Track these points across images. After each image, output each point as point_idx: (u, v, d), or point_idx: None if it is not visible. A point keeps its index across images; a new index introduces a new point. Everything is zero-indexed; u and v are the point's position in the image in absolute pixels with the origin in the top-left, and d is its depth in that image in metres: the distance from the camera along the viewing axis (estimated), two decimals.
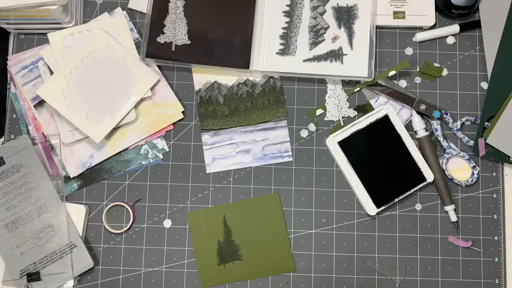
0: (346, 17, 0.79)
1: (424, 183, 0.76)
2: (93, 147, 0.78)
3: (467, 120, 0.79)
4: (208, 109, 0.80)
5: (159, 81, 0.79)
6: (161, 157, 0.79)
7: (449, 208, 0.76)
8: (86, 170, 0.79)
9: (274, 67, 0.78)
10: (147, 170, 0.79)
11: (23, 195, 0.76)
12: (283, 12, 0.79)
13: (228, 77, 0.81)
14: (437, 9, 0.82)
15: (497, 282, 0.76)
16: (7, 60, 0.81)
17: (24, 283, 0.74)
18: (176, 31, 0.78)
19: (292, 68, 0.78)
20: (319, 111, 0.80)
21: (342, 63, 0.78)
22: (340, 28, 0.79)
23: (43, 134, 0.79)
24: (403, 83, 0.81)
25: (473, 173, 0.78)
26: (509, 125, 0.77)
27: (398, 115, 0.80)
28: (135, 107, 0.78)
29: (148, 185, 0.79)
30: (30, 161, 0.77)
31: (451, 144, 0.79)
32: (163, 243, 0.78)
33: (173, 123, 0.80)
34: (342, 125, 0.80)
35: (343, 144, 0.77)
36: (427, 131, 0.78)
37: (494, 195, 0.78)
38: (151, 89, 0.79)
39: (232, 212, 0.78)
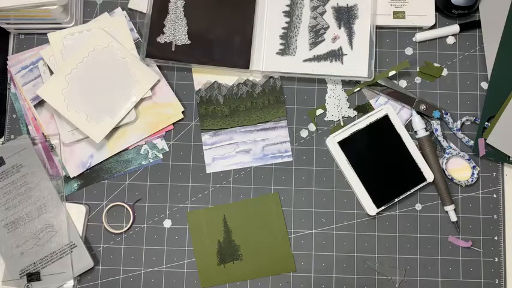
0: (346, 17, 0.79)
1: (424, 183, 0.76)
2: (93, 147, 0.78)
3: (467, 120, 0.80)
4: (208, 109, 0.80)
5: (159, 81, 0.79)
6: (161, 157, 0.79)
7: (449, 208, 0.76)
8: (86, 170, 0.79)
9: (274, 67, 0.78)
10: (147, 170, 0.79)
11: (23, 195, 0.76)
12: (283, 12, 0.79)
13: (228, 77, 0.81)
14: (437, 9, 0.82)
15: (497, 282, 0.76)
16: (7, 60, 0.81)
17: (24, 283, 0.74)
18: (176, 31, 0.78)
19: (292, 68, 0.78)
20: (319, 111, 0.80)
21: (342, 63, 0.78)
22: (340, 28, 0.79)
23: (43, 134, 0.79)
24: (403, 83, 0.81)
25: (473, 173, 0.78)
26: (509, 125, 0.77)
27: (398, 115, 0.80)
28: (135, 107, 0.78)
29: (148, 185, 0.79)
30: (30, 161, 0.77)
31: (451, 144, 0.79)
32: (163, 243, 0.78)
33: (173, 123, 0.80)
34: (342, 125, 0.80)
35: (343, 144, 0.77)
36: (427, 131, 0.78)
37: (494, 195, 0.78)
38: (151, 89, 0.79)
39: (232, 212, 0.78)
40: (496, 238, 0.77)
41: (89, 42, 0.78)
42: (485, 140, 0.77)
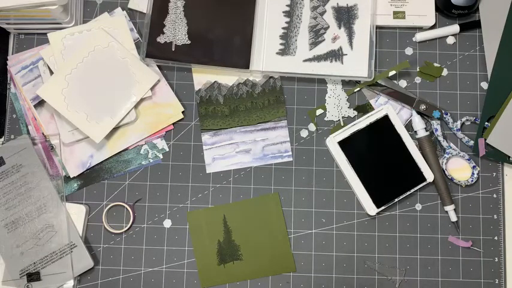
0: (346, 17, 0.79)
1: (424, 183, 0.76)
2: (93, 147, 0.78)
3: (467, 120, 0.80)
4: (208, 109, 0.80)
5: (159, 81, 0.79)
6: (161, 157, 0.79)
7: (449, 208, 0.76)
8: (86, 170, 0.79)
9: (274, 67, 0.78)
10: (147, 170, 0.79)
11: (23, 195, 0.76)
12: (283, 12, 0.79)
13: (228, 77, 0.81)
14: (437, 9, 0.82)
15: (497, 282, 0.76)
16: (7, 60, 0.81)
17: (24, 283, 0.74)
18: (176, 31, 0.78)
19: (292, 68, 0.78)
20: (319, 111, 0.80)
21: (342, 63, 0.78)
22: (340, 28, 0.79)
23: (43, 134, 0.79)
24: (403, 83, 0.81)
25: (473, 173, 0.78)
26: (509, 125, 0.77)
27: (398, 115, 0.80)
28: (135, 107, 0.78)
29: (148, 185, 0.79)
30: (30, 161, 0.77)
31: (451, 144, 0.79)
32: (163, 243, 0.78)
33: (173, 123, 0.80)
34: (342, 125, 0.80)
35: (343, 144, 0.77)
36: (427, 131, 0.78)
37: (494, 195, 0.78)
38: (151, 89, 0.79)
39: (232, 212, 0.78)
40: (496, 238, 0.77)
41: (89, 42, 0.78)
42: (485, 140, 0.77)
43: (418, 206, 0.78)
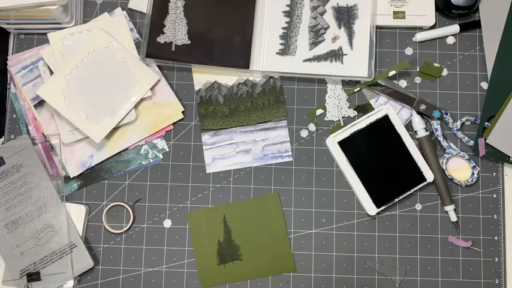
0: (346, 17, 0.79)
1: (424, 183, 0.76)
2: (93, 147, 0.78)
3: (467, 120, 0.80)
4: (208, 109, 0.80)
5: (159, 81, 0.79)
6: (161, 157, 0.79)
7: (449, 208, 0.76)
8: (86, 170, 0.79)
9: (274, 67, 0.78)
10: (147, 170, 0.79)
11: (23, 195, 0.76)
12: (283, 12, 0.79)
13: (228, 77, 0.81)
14: (437, 9, 0.82)
15: (497, 282, 0.76)
16: (7, 60, 0.81)
17: (24, 283, 0.74)
18: (176, 31, 0.78)
19: (292, 68, 0.78)
20: (319, 111, 0.80)
21: (342, 63, 0.78)
22: (340, 28, 0.79)
23: (43, 134, 0.79)
24: (403, 83, 0.81)
25: (473, 173, 0.78)
26: (509, 125, 0.77)
27: (398, 115, 0.80)
28: (135, 107, 0.78)
29: (148, 185, 0.79)
30: (30, 161, 0.77)
31: (451, 144, 0.79)
32: (163, 243, 0.78)
33: (173, 123, 0.80)
34: (342, 125, 0.80)
35: (343, 144, 0.77)
36: (427, 131, 0.78)
37: (494, 195, 0.78)
38: (151, 89, 0.79)
39: (232, 212, 0.78)
40: (496, 238, 0.77)
41: (89, 42, 0.78)
42: (485, 140, 0.77)
43: (418, 206, 0.78)
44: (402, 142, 0.77)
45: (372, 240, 0.77)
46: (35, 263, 0.74)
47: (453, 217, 0.77)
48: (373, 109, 0.80)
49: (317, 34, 0.79)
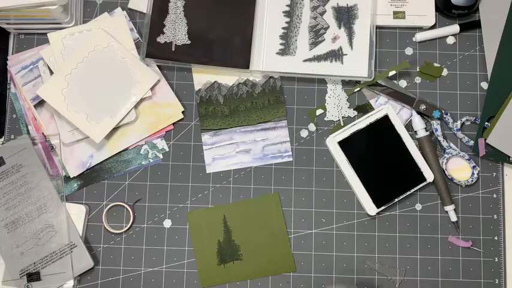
0: (346, 17, 0.79)
1: (424, 183, 0.76)
2: (93, 147, 0.78)
3: (467, 120, 0.80)
4: (208, 109, 0.80)
5: (159, 81, 0.79)
6: (161, 157, 0.79)
7: (449, 208, 0.76)
8: (86, 170, 0.79)
9: (274, 67, 0.78)
10: (147, 170, 0.79)
11: (23, 195, 0.76)
12: (283, 12, 0.79)
13: (228, 77, 0.81)
14: (437, 9, 0.82)
15: (497, 282, 0.76)
16: (7, 60, 0.81)
17: (24, 283, 0.74)
18: (176, 31, 0.78)
19: (292, 68, 0.78)
20: (319, 111, 0.80)
21: (342, 63, 0.78)
22: (340, 28, 0.79)
23: (43, 134, 0.79)
24: (403, 83, 0.81)
25: (473, 173, 0.78)
26: (509, 125, 0.77)
27: (398, 115, 0.80)
28: (135, 107, 0.78)
29: (148, 185, 0.79)
30: (30, 161, 0.77)
31: (451, 144, 0.79)
32: (163, 243, 0.78)
33: (173, 123, 0.80)
34: (342, 125, 0.80)
35: (343, 144, 0.77)
36: (427, 131, 0.78)
37: (494, 195, 0.78)
38: (151, 89, 0.79)
39: (232, 212, 0.78)
40: (496, 238, 0.77)
41: (89, 42, 0.78)
42: (485, 140, 0.77)
43: (418, 206, 0.78)
44: (402, 142, 0.77)
45: (372, 240, 0.77)
46: (35, 263, 0.74)
47: (453, 217, 0.77)
48: (373, 109, 0.80)
49: (317, 34, 0.79)
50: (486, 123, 0.78)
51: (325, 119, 0.80)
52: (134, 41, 0.81)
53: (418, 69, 0.81)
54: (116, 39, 0.78)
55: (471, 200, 0.78)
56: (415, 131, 0.78)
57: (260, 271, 0.77)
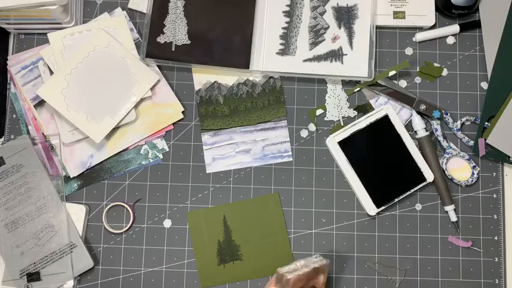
0: (346, 17, 0.79)
1: (424, 183, 0.76)
2: (93, 147, 0.78)
3: (467, 120, 0.80)
4: (208, 109, 0.80)
5: (159, 81, 0.79)
6: (161, 157, 0.79)
7: (449, 208, 0.76)
8: (86, 170, 0.79)
9: (274, 67, 0.78)
10: (147, 170, 0.79)
11: (23, 195, 0.76)
12: (283, 12, 0.79)
13: (228, 77, 0.81)
14: (437, 9, 0.82)
15: (497, 282, 0.76)
16: (7, 60, 0.81)
17: (24, 283, 0.74)
18: (176, 31, 0.78)
19: (292, 68, 0.78)
20: (319, 111, 0.80)
21: (342, 63, 0.78)
22: (340, 28, 0.79)
23: (43, 134, 0.79)
24: (403, 83, 0.81)
25: (473, 173, 0.78)
26: (509, 125, 0.77)
27: (398, 115, 0.80)
28: (135, 107, 0.78)
29: (148, 185, 0.79)
30: (30, 161, 0.77)
31: (451, 144, 0.79)
32: (163, 243, 0.78)
33: (173, 123, 0.80)
34: (342, 125, 0.80)
35: (343, 144, 0.77)
36: (427, 131, 0.78)
37: (494, 195, 0.78)
38: (151, 89, 0.79)
39: (232, 212, 0.78)
40: (496, 238, 0.77)
41: (89, 42, 0.78)
42: (485, 140, 0.77)
43: (418, 206, 0.78)
44: (402, 142, 0.77)
45: (372, 240, 0.77)
46: (35, 263, 0.74)
47: (453, 217, 0.77)
48: (373, 109, 0.80)
49: (317, 34, 0.79)
50: (486, 123, 0.78)
51: (325, 119, 0.80)
52: (134, 41, 0.81)
53: (418, 69, 0.81)
54: (116, 39, 0.78)
55: (471, 200, 0.78)
56: (415, 131, 0.78)
57: (260, 271, 0.77)
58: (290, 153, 0.79)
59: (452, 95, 0.81)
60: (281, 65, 0.78)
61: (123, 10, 0.82)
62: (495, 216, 0.78)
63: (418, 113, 0.79)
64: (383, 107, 0.78)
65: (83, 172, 0.78)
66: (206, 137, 0.80)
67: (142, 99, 0.79)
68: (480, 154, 0.78)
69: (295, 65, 0.78)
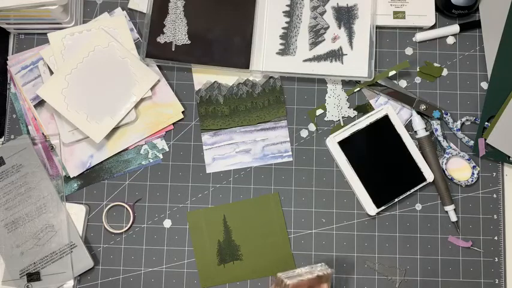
0: (346, 17, 0.79)
1: (424, 183, 0.76)
2: (93, 147, 0.78)
3: (467, 120, 0.80)
4: (208, 109, 0.80)
5: (159, 81, 0.79)
6: (161, 157, 0.79)
7: (449, 208, 0.76)
8: (86, 170, 0.79)
9: (274, 67, 0.78)
10: (147, 170, 0.79)
11: (23, 195, 0.76)
12: (283, 12, 0.79)
13: (228, 77, 0.81)
14: (437, 9, 0.82)
15: (497, 282, 0.76)
16: (7, 60, 0.81)
17: (24, 283, 0.74)
18: (176, 31, 0.78)
19: (292, 68, 0.78)
20: (319, 111, 0.80)
21: (342, 63, 0.78)
22: (340, 28, 0.79)
23: (43, 134, 0.79)
24: (403, 83, 0.81)
25: (473, 173, 0.78)
26: (509, 125, 0.77)
27: (398, 115, 0.80)
28: (135, 107, 0.78)
29: (148, 185, 0.79)
30: (30, 161, 0.77)
31: (451, 144, 0.79)
32: (163, 243, 0.78)
33: (173, 123, 0.80)
34: (342, 125, 0.80)
35: (343, 144, 0.77)
36: (427, 131, 0.78)
37: (494, 195, 0.78)
38: (151, 89, 0.79)
39: (232, 212, 0.78)
40: (496, 238, 0.77)
41: (89, 42, 0.78)
42: (485, 140, 0.77)
43: (418, 206, 0.78)
44: (402, 142, 0.77)
45: (372, 240, 0.77)
46: (35, 263, 0.74)
47: (453, 217, 0.77)
48: (373, 109, 0.80)
49: (317, 34, 0.79)
50: (486, 123, 0.78)
51: (325, 119, 0.80)
52: (134, 41, 0.81)
53: (418, 69, 0.81)
54: (116, 39, 0.78)
55: (471, 200, 0.78)
56: (415, 131, 0.78)
57: (260, 271, 0.77)
58: (290, 153, 0.79)
59: (452, 95, 0.81)
60: (281, 65, 0.78)
61: (123, 10, 0.82)
62: (495, 216, 0.78)
63: (418, 113, 0.79)
64: (383, 107, 0.78)
65: (83, 172, 0.78)
66: (206, 137, 0.80)
67: (142, 99, 0.79)
68: (480, 154, 0.78)
69: (295, 65, 0.78)
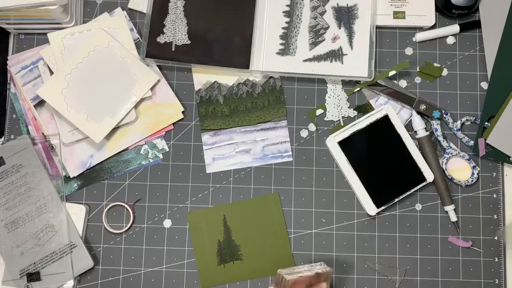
0: (346, 17, 0.79)
1: (424, 183, 0.76)
2: (93, 147, 0.78)
3: (467, 120, 0.80)
4: (208, 109, 0.80)
5: (159, 81, 0.79)
6: (161, 157, 0.79)
7: (449, 208, 0.76)
8: (86, 170, 0.79)
9: (274, 67, 0.78)
10: (147, 170, 0.79)
11: (23, 195, 0.76)
12: (283, 12, 0.79)
13: (228, 77, 0.81)
14: (437, 9, 0.82)
15: (497, 282, 0.76)
16: (7, 60, 0.81)
17: (24, 283, 0.74)
18: (176, 31, 0.78)
19: (292, 68, 0.78)
20: (319, 111, 0.80)
21: (342, 63, 0.78)
22: (340, 28, 0.79)
23: (43, 134, 0.79)
24: (403, 83, 0.81)
25: (473, 173, 0.78)
26: (509, 125, 0.77)
27: (398, 115, 0.80)
28: (135, 107, 0.78)
29: (148, 185, 0.79)
30: (30, 161, 0.77)
31: (451, 144, 0.79)
32: (163, 243, 0.78)
33: (173, 123, 0.80)
34: (342, 125, 0.80)
35: (343, 144, 0.77)
36: (427, 131, 0.78)
37: (494, 195, 0.78)
38: (151, 89, 0.79)
39: (232, 212, 0.78)
40: (496, 238, 0.77)
41: (89, 42, 0.78)
42: (485, 140, 0.77)
43: (418, 206, 0.78)
44: (402, 142, 0.77)
45: (372, 240, 0.77)
46: (35, 263, 0.74)
47: (453, 217, 0.77)
48: (373, 109, 0.80)
49: (317, 34, 0.79)
50: (486, 123, 0.78)
51: (325, 119, 0.80)
52: (134, 41, 0.81)
53: (418, 69, 0.81)
54: (116, 39, 0.78)
55: (471, 200, 0.78)
56: (415, 131, 0.78)
57: (260, 271, 0.77)
58: (290, 153, 0.79)
59: (452, 95, 0.81)
60: (281, 65, 0.78)
61: (123, 10, 0.82)
62: (495, 216, 0.78)
63: (418, 113, 0.79)
64: (383, 107, 0.78)
65: (83, 172, 0.78)
66: (206, 137, 0.80)
67: (142, 99, 0.79)
68: (480, 154, 0.78)
69: (295, 65, 0.78)
